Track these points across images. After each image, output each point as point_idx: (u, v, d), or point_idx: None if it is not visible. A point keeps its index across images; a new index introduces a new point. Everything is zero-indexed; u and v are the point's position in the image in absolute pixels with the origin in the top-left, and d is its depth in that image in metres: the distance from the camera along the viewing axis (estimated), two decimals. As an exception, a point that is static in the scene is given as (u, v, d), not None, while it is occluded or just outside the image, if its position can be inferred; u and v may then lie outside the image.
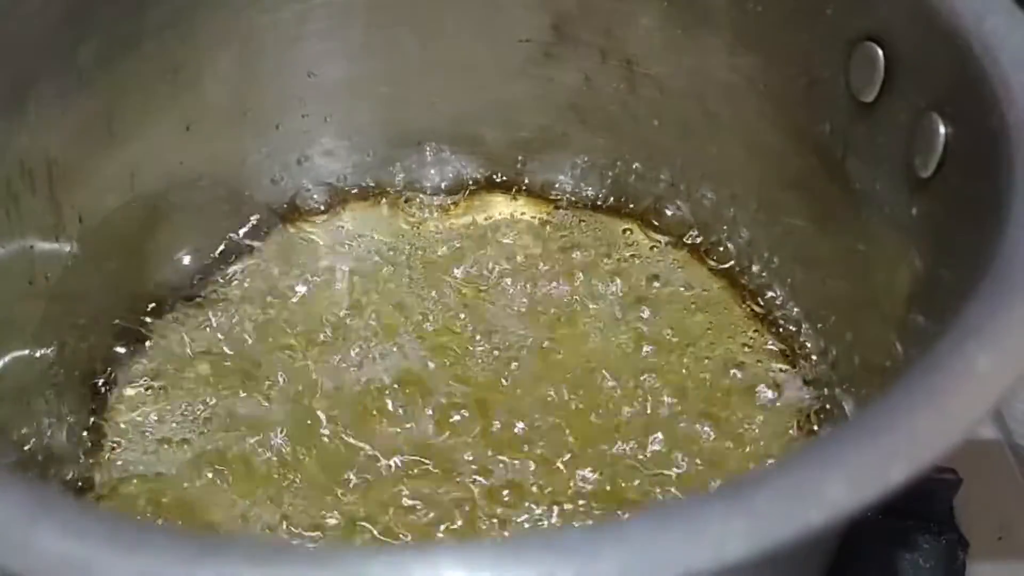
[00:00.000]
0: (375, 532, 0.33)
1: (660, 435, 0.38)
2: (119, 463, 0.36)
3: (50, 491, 0.18)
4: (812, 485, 0.17)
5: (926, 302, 0.31)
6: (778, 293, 0.43)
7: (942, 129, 0.31)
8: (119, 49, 0.37)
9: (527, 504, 0.35)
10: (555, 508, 0.35)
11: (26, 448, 0.34)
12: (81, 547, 0.16)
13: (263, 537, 0.26)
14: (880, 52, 0.34)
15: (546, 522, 0.35)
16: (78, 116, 0.36)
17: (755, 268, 0.44)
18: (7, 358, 0.32)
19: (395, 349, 0.41)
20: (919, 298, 0.32)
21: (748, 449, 0.37)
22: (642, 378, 0.40)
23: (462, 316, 0.43)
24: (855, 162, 0.37)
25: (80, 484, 0.35)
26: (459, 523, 0.34)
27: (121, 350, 0.40)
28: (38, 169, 0.35)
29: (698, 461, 0.37)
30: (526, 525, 0.34)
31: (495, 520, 0.35)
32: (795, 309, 0.42)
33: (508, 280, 0.44)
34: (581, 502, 0.36)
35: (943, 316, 0.28)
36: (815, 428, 0.38)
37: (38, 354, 0.35)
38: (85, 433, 0.37)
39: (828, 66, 0.37)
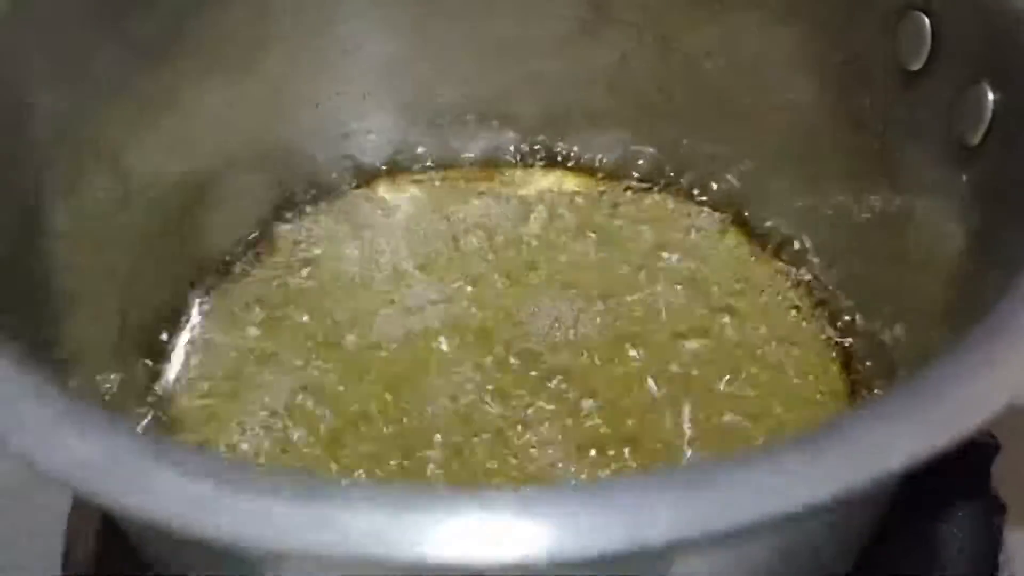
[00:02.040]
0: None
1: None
2: (179, 427, 0.37)
3: (164, 436, 0.19)
4: (889, 432, 0.18)
5: (976, 269, 0.31)
6: (820, 265, 0.43)
7: (991, 96, 0.31)
8: (174, 25, 0.38)
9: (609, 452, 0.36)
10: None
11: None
12: (201, 486, 0.17)
13: (365, 481, 0.27)
14: (927, 21, 0.34)
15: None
16: (133, 94, 0.37)
17: (796, 241, 0.44)
18: (75, 327, 0.33)
19: (446, 312, 0.42)
20: (968, 266, 0.32)
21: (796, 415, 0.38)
22: (689, 344, 0.41)
23: (507, 281, 0.43)
24: (898, 132, 0.37)
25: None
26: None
27: (178, 317, 0.41)
28: (101, 145, 0.35)
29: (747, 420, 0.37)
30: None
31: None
32: (837, 280, 0.42)
33: (546, 253, 0.45)
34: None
35: (996, 282, 0.28)
36: (861, 392, 0.39)
37: (102, 322, 0.36)
38: (147, 400, 0.38)
39: (870, 37, 0.37)
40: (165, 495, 0.17)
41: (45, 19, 0.33)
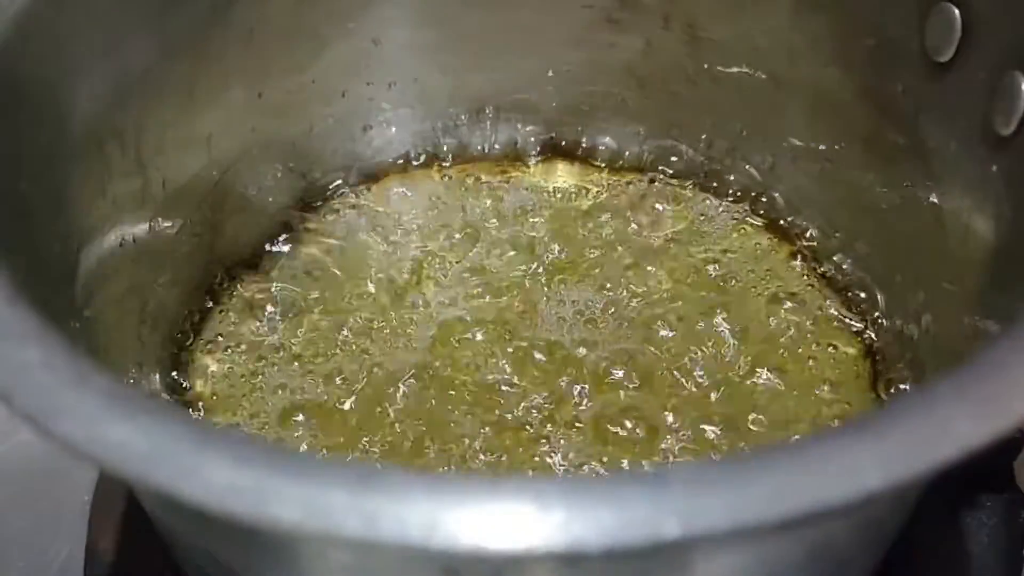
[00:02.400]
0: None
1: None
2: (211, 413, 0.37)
3: (211, 423, 0.19)
4: (941, 421, 0.18)
5: (1008, 258, 0.31)
6: (847, 255, 0.43)
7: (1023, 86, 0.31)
8: (200, 20, 0.38)
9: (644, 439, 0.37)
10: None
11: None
12: (249, 474, 0.17)
13: (421, 470, 0.27)
14: (957, 12, 0.34)
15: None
16: (163, 85, 0.37)
17: (822, 231, 0.44)
18: (98, 317, 0.33)
19: (468, 304, 0.42)
20: (999, 255, 0.32)
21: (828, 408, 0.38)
22: (710, 336, 0.41)
23: (529, 273, 0.43)
24: (928, 121, 0.37)
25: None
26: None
27: (201, 309, 0.41)
28: (128, 133, 0.35)
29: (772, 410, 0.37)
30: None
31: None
32: (863, 272, 0.42)
33: (567, 246, 0.45)
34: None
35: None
36: (889, 385, 0.39)
37: (125, 313, 0.36)
38: (170, 392, 0.38)
39: (900, 26, 0.37)
40: (215, 483, 0.17)
41: (81, 11, 0.33)
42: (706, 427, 0.37)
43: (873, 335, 0.41)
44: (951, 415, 0.18)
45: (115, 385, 0.18)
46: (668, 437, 0.37)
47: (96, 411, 0.18)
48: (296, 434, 0.34)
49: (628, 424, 0.37)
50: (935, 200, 0.37)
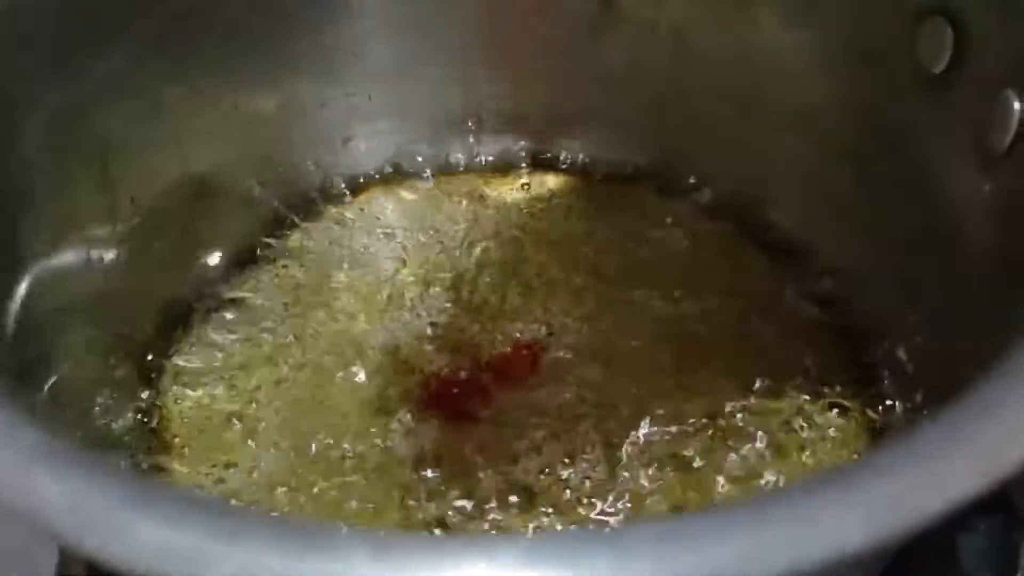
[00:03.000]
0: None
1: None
2: (178, 442, 0.36)
3: (151, 480, 0.18)
4: (930, 472, 0.17)
5: (1001, 278, 0.30)
6: (835, 270, 0.42)
7: (1017, 105, 0.30)
8: (169, 30, 0.37)
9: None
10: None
11: (84, 430, 0.34)
12: (183, 537, 0.16)
13: (366, 530, 0.26)
14: (949, 27, 0.33)
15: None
16: (130, 97, 0.36)
17: (810, 245, 0.43)
18: (66, 339, 0.32)
19: (448, 316, 0.41)
20: (993, 275, 0.31)
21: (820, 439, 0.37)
22: (693, 350, 0.40)
23: (511, 286, 0.42)
24: (920, 137, 0.36)
25: (144, 467, 0.35)
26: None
27: (172, 329, 0.40)
28: (91, 148, 0.34)
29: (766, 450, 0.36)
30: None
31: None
32: (852, 286, 0.41)
33: (553, 256, 0.43)
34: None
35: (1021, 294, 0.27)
36: (882, 406, 0.38)
37: (94, 335, 0.35)
38: (140, 415, 0.37)
39: (891, 41, 0.36)
40: (147, 544, 0.16)
41: (45, 16, 0.32)
42: (682, 450, 0.36)
43: (864, 354, 0.40)
44: (940, 466, 0.17)
45: (47, 438, 0.17)
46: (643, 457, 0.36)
47: (24, 466, 0.17)
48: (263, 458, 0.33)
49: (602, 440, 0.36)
50: (928, 217, 0.36)
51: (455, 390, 0.39)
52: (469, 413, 0.38)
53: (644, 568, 0.16)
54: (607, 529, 0.15)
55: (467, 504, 0.34)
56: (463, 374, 0.39)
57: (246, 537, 0.16)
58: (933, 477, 0.17)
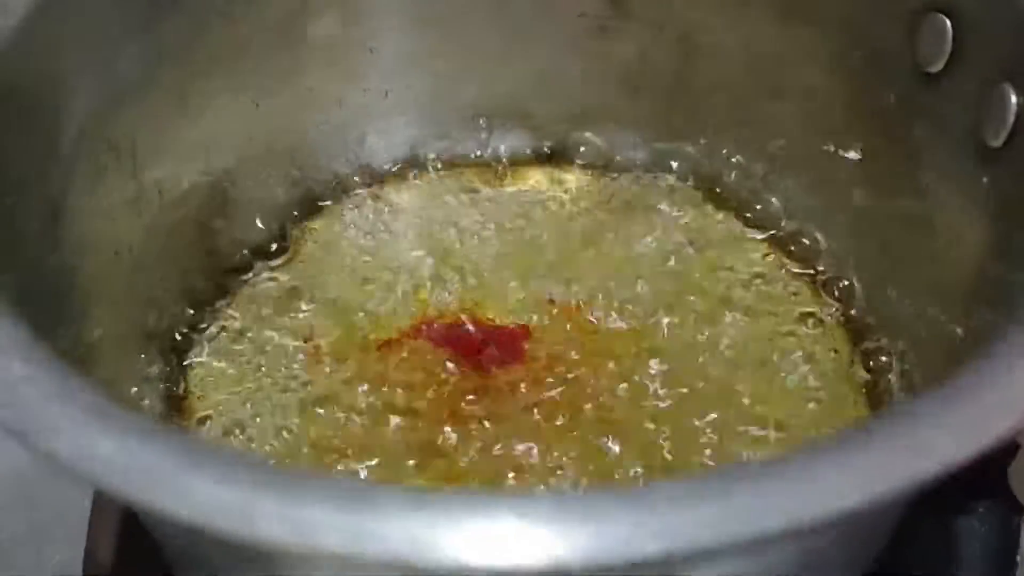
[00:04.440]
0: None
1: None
2: (208, 424, 0.37)
3: (197, 438, 0.19)
4: (923, 438, 0.18)
5: (998, 272, 0.31)
6: (838, 265, 0.43)
7: (1014, 99, 0.31)
8: (194, 28, 0.38)
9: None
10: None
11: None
12: (235, 492, 0.17)
13: (404, 487, 0.27)
14: (948, 23, 0.34)
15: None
16: (157, 93, 0.37)
17: (813, 240, 0.44)
18: (97, 329, 0.33)
19: (460, 310, 0.42)
20: (990, 268, 0.32)
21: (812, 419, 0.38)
22: (699, 344, 0.41)
23: (517, 286, 0.43)
24: (920, 132, 0.37)
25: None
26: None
27: (199, 318, 0.41)
28: (122, 144, 0.36)
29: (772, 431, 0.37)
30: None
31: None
32: (855, 279, 0.42)
33: (562, 253, 0.45)
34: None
35: (1018, 285, 0.28)
36: (879, 395, 0.39)
37: (123, 324, 0.36)
38: (169, 394, 0.38)
39: (891, 36, 0.37)
40: (202, 500, 0.17)
41: (77, 14, 0.33)
42: (692, 439, 0.37)
43: (865, 344, 0.41)
44: (932, 433, 0.18)
45: (102, 401, 0.19)
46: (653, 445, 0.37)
47: (83, 428, 0.18)
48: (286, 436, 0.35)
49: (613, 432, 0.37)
50: (926, 211, 0.37)
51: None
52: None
53: (661, 522, 0.17)
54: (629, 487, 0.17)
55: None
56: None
57: (292, 493, 0.17)
58: (925, 443, 0.18)
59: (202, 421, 0.37)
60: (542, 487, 0.34)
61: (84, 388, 0.19)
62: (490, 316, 0.42)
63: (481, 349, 0.41)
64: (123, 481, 0.17)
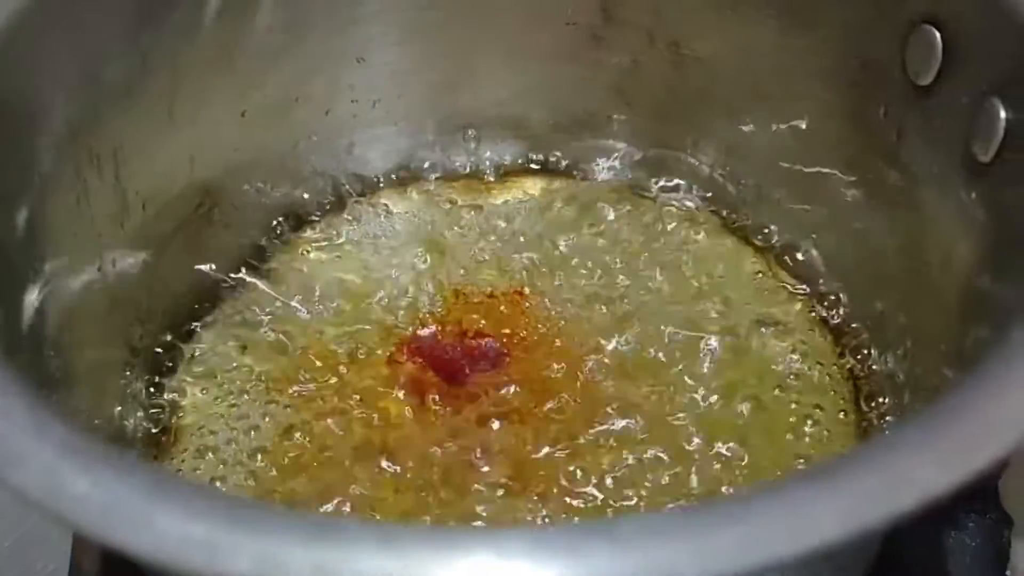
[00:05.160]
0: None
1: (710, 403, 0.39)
2: (191, 439, 0.37)
3: (169, 473, 0.19)
4: (904, 470, 0.18)
5: (986, 286, 0.31)
6: (829, 276, 0.43)
7: (1003, 114, 0.31)
8: (179, 38, 0.38)
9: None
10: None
11: (98, 428, 0.34)
12: (201, 528, 0.17)
13: (377, 521, 0.27)
14: (938, 35, 0.34)
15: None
16: (141, 103, 0.37)
17: (805, 250, 0.44)
18: (81, 342, 0.33)
19: (450, 319, 0.42)
20: (979, 282, 0.32)
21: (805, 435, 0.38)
22: (690, 356, 0.40)
23: (509, 292, 0.43)
24: (910, 145, 0.37)
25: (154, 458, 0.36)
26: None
27: (184, 330, 0.41)
28: (105, 155, 0.35)
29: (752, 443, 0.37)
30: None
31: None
32: (846, 291, 0.42)
33: (553, 260, 0.44)
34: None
35: (1006, 300, 0.28)
36: (867, 411, 0.39)
37: (108, 337, 0.36)
38: (153, 411, 0.38)
39: (883, 48, 0.37)
40: (167, 536, 0.17)
41: (62, 23, 0.33)
42: (682, 460, 0.37)
43: (855, 360, 0.41)
44: (912, 464, 0.18)
45: (73, 435, 0.18)
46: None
47: (52, 462, 0.18)
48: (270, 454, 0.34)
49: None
50: (917, 225, 0.37)
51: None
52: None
53: (638, 559, 0.17)
54: (605, 521, 0.16)
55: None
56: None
57: (259, 528, 0.17)
58: (906, 475, 0.18)
59: (183, 441, 0.37)
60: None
61: (57, 422, 0.19)
62: (478, 328, 0.42)
63: (462, 367, 0.40)
64: (92, 521, 0.17)
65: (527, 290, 0.43)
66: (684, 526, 0.17)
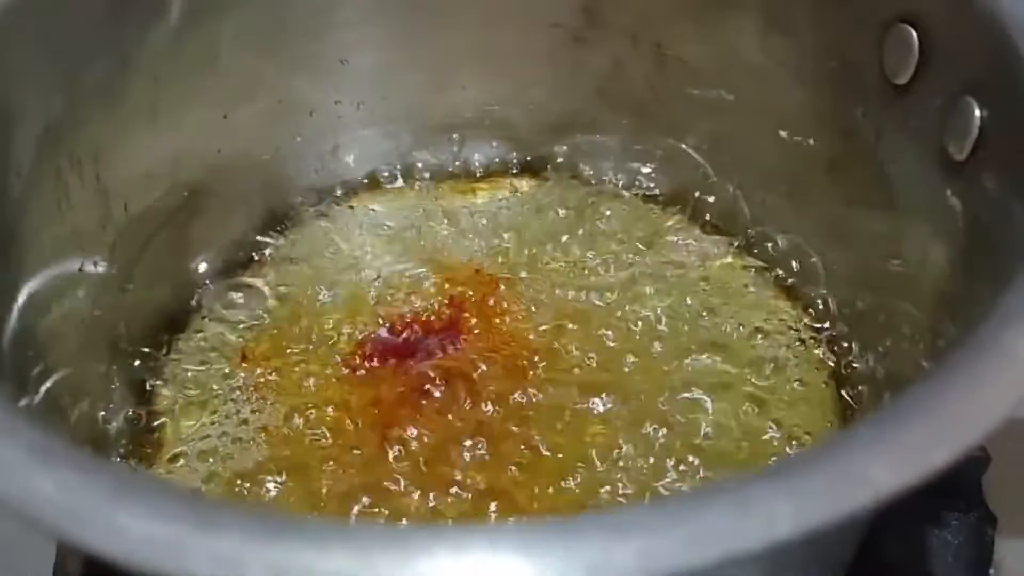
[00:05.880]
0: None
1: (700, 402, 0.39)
2: (171, 442, 0.37)
3: (133, 472, 0.19)
4: (857, 468, 0.18)
5: (962, 285, 0.31)
6: (809, 276, 0.43)
7: (977, 112, 0.31)
8: (160, 39, 0.38)
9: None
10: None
11: (79, 434, 0.35)
12: (164, 528, 0.17)
13: (340, 520, 0.27)
14: (915, 35, 0.34)
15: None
16: (123, 104, 0.37)
17: (786, 251, 0.44)
18: (63, 346, 0.33)
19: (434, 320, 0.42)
20: (955, 282, 0.32)
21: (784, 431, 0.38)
22: (672, 355, 0.41)
23: (491, 291, 0.43)
24: (888, 145, 0.37)
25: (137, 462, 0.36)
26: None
27: (165, 333, 0.41)
28: (86, 158, 0.35)
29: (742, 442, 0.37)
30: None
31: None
32: (827, 292, 0.42)
33: (535, 262, 0.45)
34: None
35: (980, 297, 0.28)
36: (848, 410, 0.39)
37: (90, 340, 0.36)
38: (135, 413, 0.38)
39: (861, 48, 0.37)
40: (130, 536, 0.17)
41: (40, 27, 0.33)
42: (660, 456, 0.37)
43: (836, 359, 0.41)
44: (867, 462, 0.18)
45: (42, 436, 0.18)
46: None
47: (20, 464, 0.18)
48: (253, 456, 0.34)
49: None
50: (895, 224, 0.37)
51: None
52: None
53: (584, 557, 0.17)
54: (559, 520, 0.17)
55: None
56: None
57: (222, 527, 0.17)
58: (860, 473, 0.18)
59: (168, 446, 0.37)
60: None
61: (27, 424, 0.19)
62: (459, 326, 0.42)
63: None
64: (56, 521, 0.17)
65: (506, 288, 0.43)
66: (633, 524, 0.17)
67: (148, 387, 0.40)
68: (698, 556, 0.17)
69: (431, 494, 0.35)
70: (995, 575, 0.40)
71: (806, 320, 0.42)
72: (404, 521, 0.34)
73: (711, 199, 0.46)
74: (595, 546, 0.17)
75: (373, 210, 0.47)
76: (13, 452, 0.18)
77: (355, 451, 0.37)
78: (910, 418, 0.19)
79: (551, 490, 0.35)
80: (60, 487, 0.17)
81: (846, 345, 0.41)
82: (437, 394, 0.39)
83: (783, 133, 0.42)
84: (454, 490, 0.36)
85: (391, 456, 0.37)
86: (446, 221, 0.47)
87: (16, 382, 0.28)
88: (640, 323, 0.42)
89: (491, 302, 0.43)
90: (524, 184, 0.48)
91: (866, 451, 0.18)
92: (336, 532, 0.17)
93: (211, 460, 0.36)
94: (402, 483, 0.36)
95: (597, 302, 0.43)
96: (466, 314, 0.42)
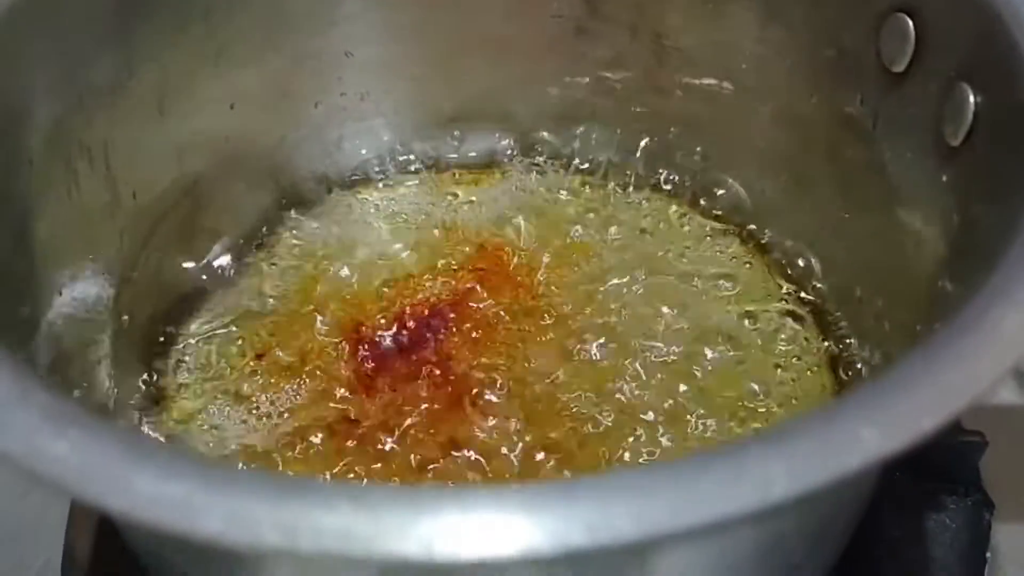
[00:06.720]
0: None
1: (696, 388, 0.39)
2: (177, 428, 0.38)
3: (145, 436, 0.20)
4: (849, 432, 0.19)
5: (955, 267, 0.32)
6: (808, 262, 0.44)
7: (972, 98, 0.32)
8: (168, 31, 0.38)
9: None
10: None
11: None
12: (177, 487, 0.17)
13: (348, 481, 0.27)
14: (911, 23, 0.35)
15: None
16: (130, 96, 0.38)
17: (784, 237, 0.45)
18: (72, 331, 0.34)
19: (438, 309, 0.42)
20: (948, 263, 0.32)
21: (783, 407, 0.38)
22: (673, 347, 0.41)
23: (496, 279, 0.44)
24: (885, 132, 0.37)
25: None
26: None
27: (173, 320, 0.42)
28: (96, 148, 0.36)
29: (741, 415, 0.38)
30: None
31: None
32: (825, 277, 0.43)
33: (538, 253, 0.45)
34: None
35: (972, 280, 0.29)
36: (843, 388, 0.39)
37: (100, 325, 0.37)
38: (141, 399, 0.39)
39: (858, 37, 0.37)
40: (143, 495, 0.17)
41: (48, 22, 0.33)
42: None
43: (833, 342, 0.42)
44: (859, 427, 0.19)
45: (56, 401, 0.19)
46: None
47: (35, 427, 0.19)
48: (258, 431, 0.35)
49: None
50: (892, 210, 0.37)
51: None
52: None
53: (583, 519, 0.17)
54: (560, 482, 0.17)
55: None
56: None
57: (233, 487, 0.17)
58: (850, 437, 0.18)
59: (171, 429, 0.38)
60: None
61: (40, 389, 0.20)
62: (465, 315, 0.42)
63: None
64: (70, 479, 0.18)
65: (511, 275, 0.44)
66: (632, 486, 0.18)
67: (154, 373, 0.40)
68: (694, 517, 0.17)
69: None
70: (992, 559, 0.40)
71: (805, 308, 0.43)
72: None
73: (711, 188, 0.47)
74: (595, 507, 0.18)
75: (377, 201, 0.48)
76: (27, 415, 0.19)
77: (360, 431, 0.38)
78: (901, 387, 0.20)
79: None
80: (74, 448, 0.18)
81: (842, 331, 0.41)
82: (448, 378, 0.39)
83: (781, 122, 0.43)
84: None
85: (395, 439, 0.37)
86: (449, 212, 0.47)
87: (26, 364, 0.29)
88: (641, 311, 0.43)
89: (496, 287, 0.43)
90: (524, 174, 0.49)
91: (858, 417, 0.19)
92: (345, 491, 0.18)
93: (216, 443, 0.37)
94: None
95: (601, 289, 0.43)
96: (471, 301, 0.43)
